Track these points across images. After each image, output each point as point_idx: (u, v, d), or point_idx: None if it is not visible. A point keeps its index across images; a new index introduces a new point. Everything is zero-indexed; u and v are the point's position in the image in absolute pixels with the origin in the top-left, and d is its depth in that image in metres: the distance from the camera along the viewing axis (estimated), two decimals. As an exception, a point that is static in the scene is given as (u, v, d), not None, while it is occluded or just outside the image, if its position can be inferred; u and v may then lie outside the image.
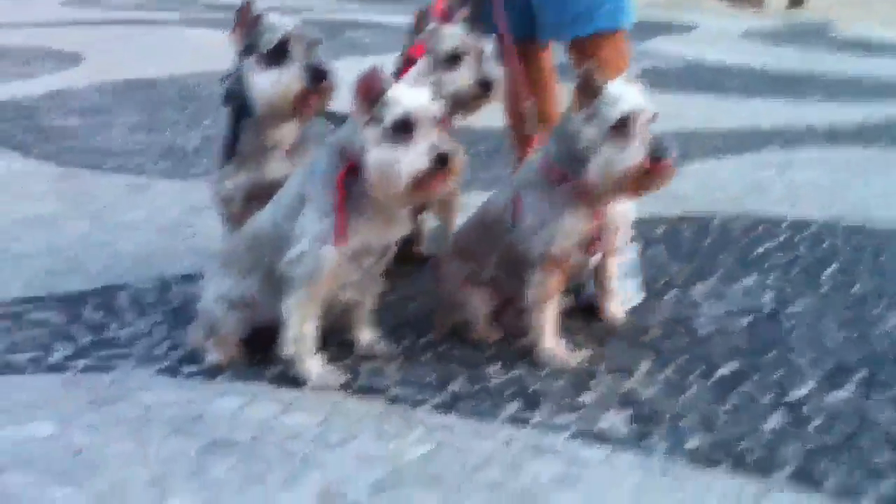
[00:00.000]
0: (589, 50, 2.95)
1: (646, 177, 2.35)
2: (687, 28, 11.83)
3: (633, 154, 2.32)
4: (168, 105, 6.13)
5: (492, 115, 3.19)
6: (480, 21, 2.97)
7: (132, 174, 4.48)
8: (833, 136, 5.72)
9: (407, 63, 2.82)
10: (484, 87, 2.83)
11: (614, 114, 2.34)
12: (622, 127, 2.33)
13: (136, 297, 3.03)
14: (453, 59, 2.84)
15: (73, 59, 7.78)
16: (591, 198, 2.49)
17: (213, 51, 8.10)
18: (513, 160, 3.47)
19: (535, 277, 2.57)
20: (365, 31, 10.18)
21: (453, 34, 2.87)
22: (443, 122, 2.84)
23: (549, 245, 2.51)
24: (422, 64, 2.49)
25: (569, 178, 2.48)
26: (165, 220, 3.81)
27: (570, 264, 2.59)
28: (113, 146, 5.00)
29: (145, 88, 6.66)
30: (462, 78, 2.83)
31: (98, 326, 2.81)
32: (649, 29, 10.91)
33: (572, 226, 2.51)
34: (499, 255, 2.67)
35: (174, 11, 11.88)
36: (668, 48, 9.23)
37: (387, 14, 12.18)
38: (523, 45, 2.97)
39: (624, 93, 2.38)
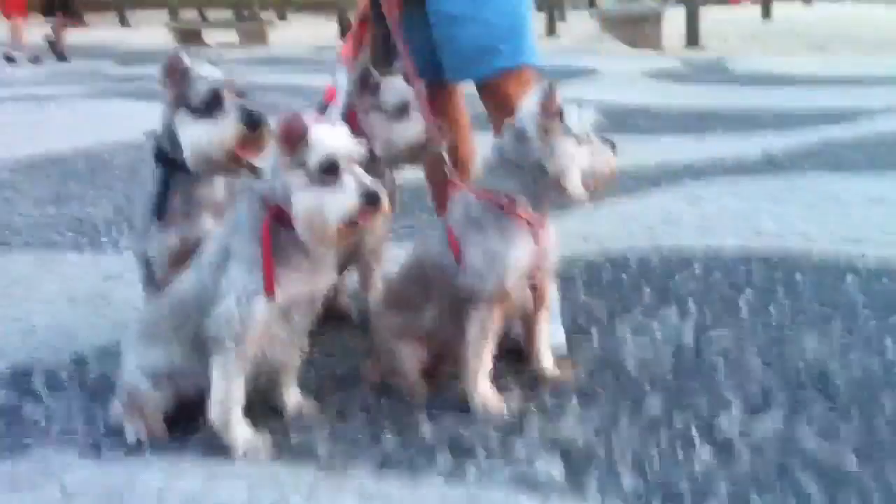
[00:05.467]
0: (497, 87, 2.99)
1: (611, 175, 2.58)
2: (589, 72, 12.09)
3: (608, 154, 2.57)
4: (76, 178, 6.01)
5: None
6: (386, 67, 2.99)
7: (41, 249, 4.37)
8: (740, 167, 5.88)
9: (322, 109, 2.82)
10: (434, 134, 2.87)
11: (586, 125, 2.54)
12: (588, 135, 2.55)
13: (52, 374, 2.92)
14: (402, 110, 2.87)
15: (-27, 137, 7.60)
16: (538, 222, 2.57)
17: (121, 121, 8.10)
18: (435, 207, 3.47)
19: (479, 314, 2.57)
20: (275, 92, 10.17)
21: (397, 86, 2.89)
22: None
23: (503, 278, 2.53)
24: (334, 109, 2.49)
25: (518, 205, 2.54)
26: (79, 293, 3.71)
27: (514, 298, 2.60)
28: (20, 222, 4.88)
29: (52, 163, 6.53)
30: (415, 127, 2.86)
31: (12, 407, 2.71)
32: (552, 74, 11.09)
33: (523, 254, 2.55)
34: (439, 301, 2.65)
35: (78, 85, 11.72)
36: (573, 92, 9.42)
37: (298, 75, 12.22)
38: (432, 87, 2.99)
39: (574, 107, 2.56)
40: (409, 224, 4.41)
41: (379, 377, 2.76)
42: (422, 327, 2.69)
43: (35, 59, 16.01)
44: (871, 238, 4.16)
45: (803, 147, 6.46)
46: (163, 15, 26.06)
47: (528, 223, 2.56)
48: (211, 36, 20.13)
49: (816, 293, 3.46)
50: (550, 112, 2.49)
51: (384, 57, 3.07)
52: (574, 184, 2.51)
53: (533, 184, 2.55)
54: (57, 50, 16.61)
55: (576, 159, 2.51)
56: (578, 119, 2.53)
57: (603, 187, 2.60)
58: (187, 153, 2.54)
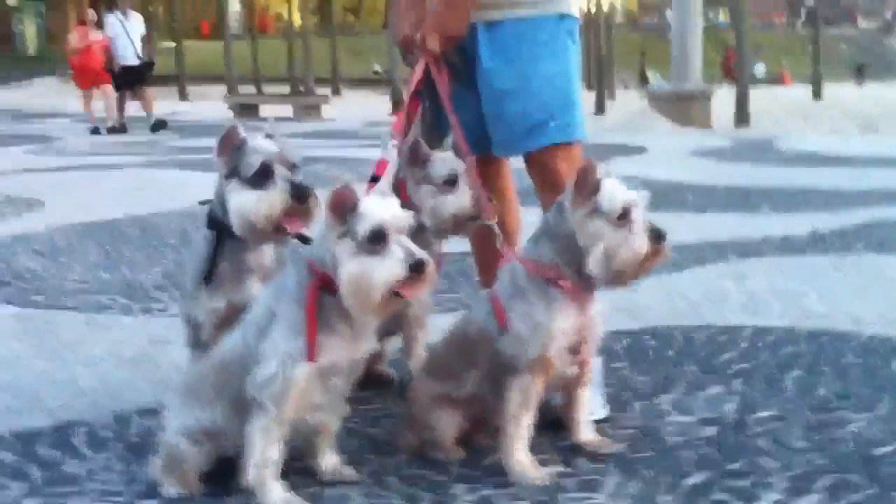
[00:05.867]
0: (545, 162, 3.02)
1: (646, 261, 2.50)
2: (639, 149, 12.15)
3: (639, 241, 2.47)
4: (129, 243, 6.14)
5: (452, 239, 3.23)
6: (437, 141, 3.05)
7: (92, 311, 4.45)
8: (787, 245, 5.84)
9: (372, 180, 2.88)
10: (480, 206, 2.93)
11: (617, 205, 2.47)
12: (624, 217, 2.47)
13: (94, 432, 2.96)
14: (451, 182, 2.93)
15: (33, 204, 7.81)
16: (584, 294, 2.57)
17: (177, 190, 8.28)
18: (481, 278, 3.48)
19: (521, 382, 2.56)
20: (327, 165, 10.34)
21: (447, 159, 2.97)
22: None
23: (546, 346, 2.53)
24: (384, 181, 2.55)
25: (563, 277, 2.54)
26: (127, 355, 3.76)
27: (556, 369, 2.59)
28: (73, 285, 4.98)
29: (106, 229, 6.68)
30: (462, 198, 2.92)
31: (54, 463, 2.73)
32: (603, 151, 11.15)
33: (567, 325, 2.55)
34: (481, 369, 2.65)
35: (137, 155, 12.03)
36: (622, 169, 9.44)
37: (351, 148, 12.43)
38: (480, 161, 3.03)
39: (618, 186, 2.53)
40: (454, 295, 4.43)
41: (416, 445, 2.75)
42: (462, 395, 2.69)
43: (95, 131, 16.13)
44: (921, 320, 4.09)
45: (852, 227, 6.40)
46: (221, 89, 26.75)
47: (573, 296, 2.57)
48: (267, 110, 20.57)
49: (865, 374, 3.40)
50: (584, 188, 2.50)
51: (434, 131, 3.14)
52: (594, 264, 2.48)
53: (574, 258, 2.55)
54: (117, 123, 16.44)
55: (602, 240, 2.48)
56: (611, 198, 2.49)
57: (631, 275, 2.53)
58: (234, 220, 2.61)
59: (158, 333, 4.03)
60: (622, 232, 2.48)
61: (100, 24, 16.55)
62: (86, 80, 16.49)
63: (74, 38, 16.40)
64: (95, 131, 16.07)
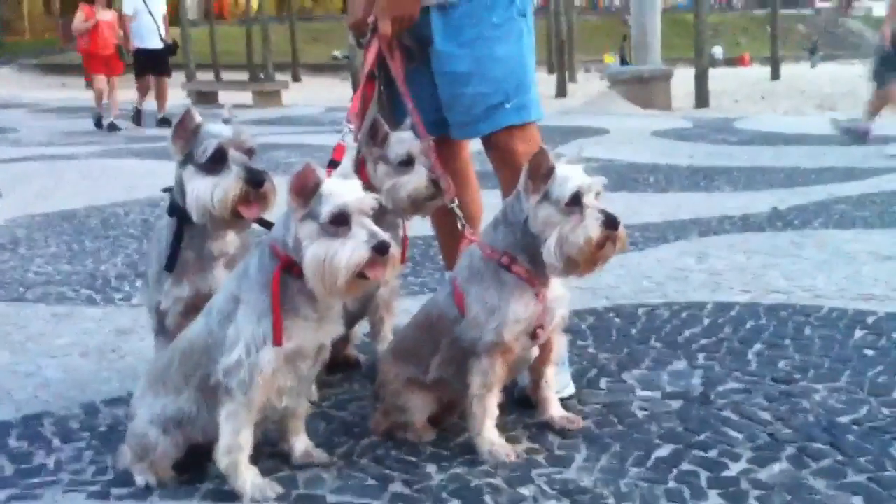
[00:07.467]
0: (502, 143, 3.04)
1: (601, 248, 2.45)
2: (601, 131, 12.21)
3: (590, 228, 2.42)
4: (90, 234, 6.08)
5: (418, 223, 3.25)
6: (394, 124, 3.05)
7: (55, 303, 4.41)
8: (747, 223, 5.91)
9: (331, 165, 2.87)
10: (437, 186, 2.92)
11: (566, 192, 2.44)
12: (575, 203, 2.43)
13: (63, 423, 2.94)
14: (407, 163, 2.93)
15: (-9, 195, 7.71)
16: (539, 280, 2.57)
17: (135, 179, 8.21)
18: (444, 261, 3.50)
19: (482, 365, 2.58)
20: (287, 151, 10.30)
21: (404, 139, 2.96)
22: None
23: (501, 331, 2.54)
24: (346, 161, 2.54)
25: (517, 263, 2.55)
26: (91, 346, 3.74)
27: (516, 352, 2.61)
28: (34, 278, 4.93)
29: (66, 220, 6.61)
30: (417, 179, 2.92)
31: (23, 455, 2.72)
32: (566, 133, 11.24)
33: (522, 310, 2.55)
34: (444, 352, 2.66)
35: (94, 144, 11.88)
36: (585, 150, 9.51)
37: (310, 134, 12.38)
38: (439, 143, 3.04)
39: (572, 172, 2.48)
40: (420, 278, 4.45)
41: (387, 427, 2.77)
42: (430, 379, 2.71)
43: (108, 126, 14.12)
44: (879, 294, 4.17)
45: (812, 204, 6.50)
46: (179, 77, 26.45)
47: (529, 281, 2.58)
48: (226, 97, 20.39)
49: (825, 347, 3.46)
50: (537, 175, 2.49)
51: (391, 114, 3.13)
52: (547, 253, 2.46)
53: (532, 245, 2.54)
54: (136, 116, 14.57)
55: (553, 227, 2.46)
56: (561, 185, 2.45)
57: (592, 262, 2.48)
58: (191, 207, 2.59)
59: (122, 323, 4.01)
60: (573, 219, 2.45)
61: (110, 3, 14.51)
62: (96, 64, 14.24)
63: (79, 19, 14.04)
64: (112, 127, 14.06)
